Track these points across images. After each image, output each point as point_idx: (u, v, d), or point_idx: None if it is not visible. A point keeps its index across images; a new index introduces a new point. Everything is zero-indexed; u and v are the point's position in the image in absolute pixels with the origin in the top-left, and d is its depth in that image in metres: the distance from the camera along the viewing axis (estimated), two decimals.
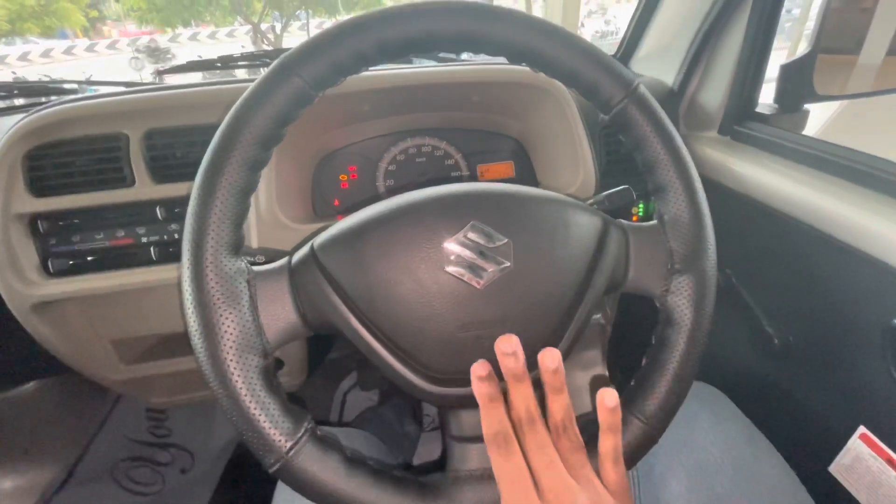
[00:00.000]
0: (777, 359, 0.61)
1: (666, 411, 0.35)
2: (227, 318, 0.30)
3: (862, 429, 0.51)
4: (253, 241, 0.54)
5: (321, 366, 1.12)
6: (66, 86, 0.80)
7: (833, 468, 0.53)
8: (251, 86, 0.32)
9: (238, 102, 0.32)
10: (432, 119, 0.67)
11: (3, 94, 0.78)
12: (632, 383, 0.37)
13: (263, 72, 0.32)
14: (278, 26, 8.51)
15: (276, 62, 0.32)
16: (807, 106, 0.70)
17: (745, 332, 0.65)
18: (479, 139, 0.70)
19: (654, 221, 0.37)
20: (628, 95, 0.35)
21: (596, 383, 0.99)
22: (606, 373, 1.08)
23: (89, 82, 0.85)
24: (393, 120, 0.66)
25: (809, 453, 0.52)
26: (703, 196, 0.37)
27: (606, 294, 0.36)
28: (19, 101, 0.77)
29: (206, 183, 0.31)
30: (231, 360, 0.30)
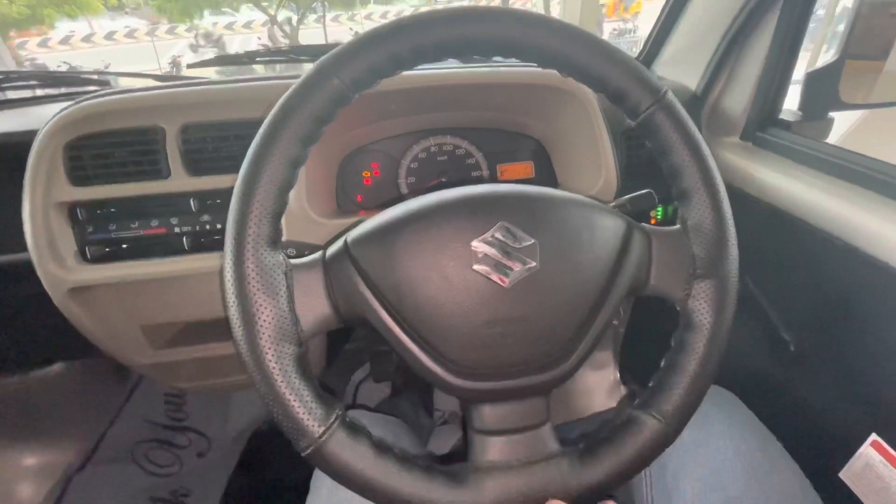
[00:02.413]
0: (792, 365, 0.61)
1: (683, 412, 0.36)
2: (265, 308, 0.31)
3: (874, 436, 0.51)
4: (283, 234, 0.55)
5: (336, 357, 1.14)
6: (96, 76, 0.82)
7: (843, 474, 0.54)
8: (293, 86, 0.33)
9: (280, 101, 0.33)
10: (454, 118, 0.68)
11: (34, 83, 0.80)
12: (650, 384, 0.38)
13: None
14: (294, 17, 8.55)
15: (316, 64, 0.33)
16: (831, 114, 0.70)
17: (761, 338, 0.66)
18: (500, 139, 0.71)
19: (678, 226, 0.38)
20: (656, 102, 0.36)
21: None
22: (618, 374, 1.09)
23: (120, 74, 0.87)
24: (416, 119, 0.67)
25: (821, 459, 0.52)
26: (727, 203, 0.37)
27: (628, 297, 0.37)
28: (49, 91, 0.79)
29: (248, 178, 0.32)
30: (268, 348, 0.31)
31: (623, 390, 1.06)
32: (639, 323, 0.98)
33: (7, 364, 0.88)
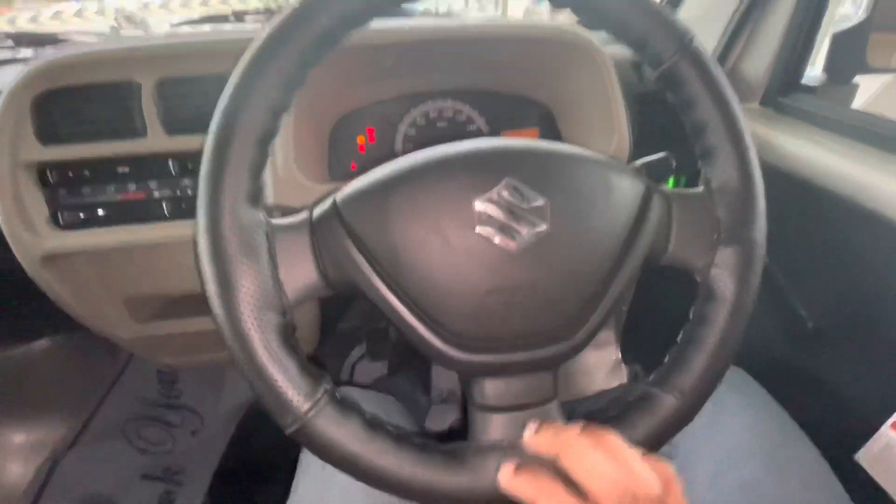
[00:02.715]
0: (810, 343, 0.59)
1: (702, 389, 0.34)
2: (244, 272, 0.28)
3: (895, 417, 0.49)
4: (270, 198, 0.52)
5: (331, 335, 1.12)
6: (76, 37, 0.77)
7: (861, 456, 0.52)
8: (272, 21, 0.29)
9: (258, 40, 0.29)
10: (455, 80, 0.64)
11: (10, 44, 0.75)
12: (666, 359, 0.35)
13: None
14: None
15: None
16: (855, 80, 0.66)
17: (777, 315, 0.63)
18: (504, 104, 0.67)
19: (701, 188, 0.35)
20: (681, 49, 0.32)
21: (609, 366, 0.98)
22: (619, 354, 1.07)
23: (99, 35, 0.82)
24: (414, 80, 0.63)
25: (840, 440, 0.50)
26: (757, 162, 0.34)
27: (644, 266, 0.34)
28: (27, 53, 0.74)
29: (223, 126, 0.29)
30: (248, 316, 0.28)
31: (624, 370, 1.04)
32: (641, 302, 0.96)
33: None
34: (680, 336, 0.35)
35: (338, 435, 0.29)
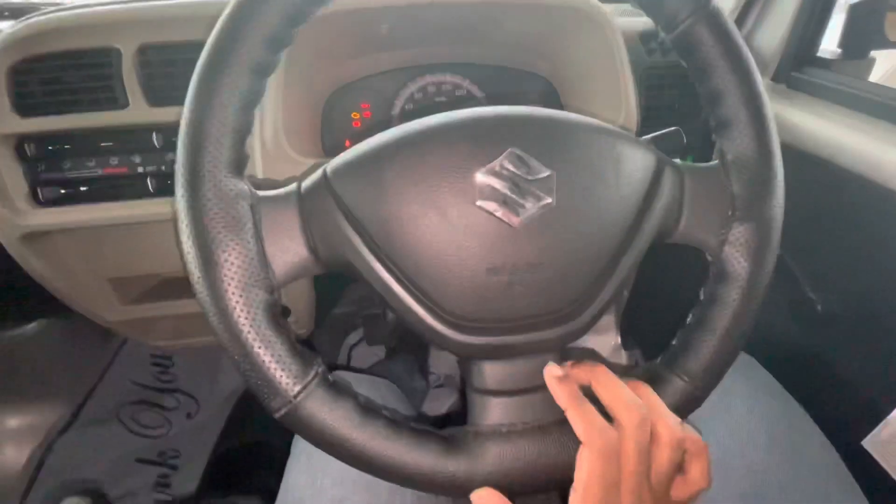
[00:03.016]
0: (819, 327, 0.57)
1: (712, 372, 0.32)
2: (227, 246, 0.26)
3: None
4: (257, 173, 0.50)
5: (327, 319, 1.10)
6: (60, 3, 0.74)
7: (868, 442, 0.51)
8: None
9: None
10: (455, 53, 0.61)
11: None
12: (674, 341, 0.34)
13: None
14: None
15: None
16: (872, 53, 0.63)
17: (785, 298, 0.62)
18: (505, 78, 0.64)
19: (715, 162, 0.33)
20: (697, 10, 0.30)
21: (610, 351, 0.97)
22: (619, 339, 1.06)
23: (83, 4, 0.78)
24: (411, 52, 0.60)
25: (848, 426, 0.49)
26: (776, 134, 0.32)
27: (654, 243, 0.32)
28: (6, 25, 0.71)
29: (202, 87, 0.27)
30: (233, 293, 0.26)
31: (624, 356, 1.03)
32: (641, 286, 0.94)
33: None
34: (689, 317, 0.34)
35: (329, 419, 0.27)
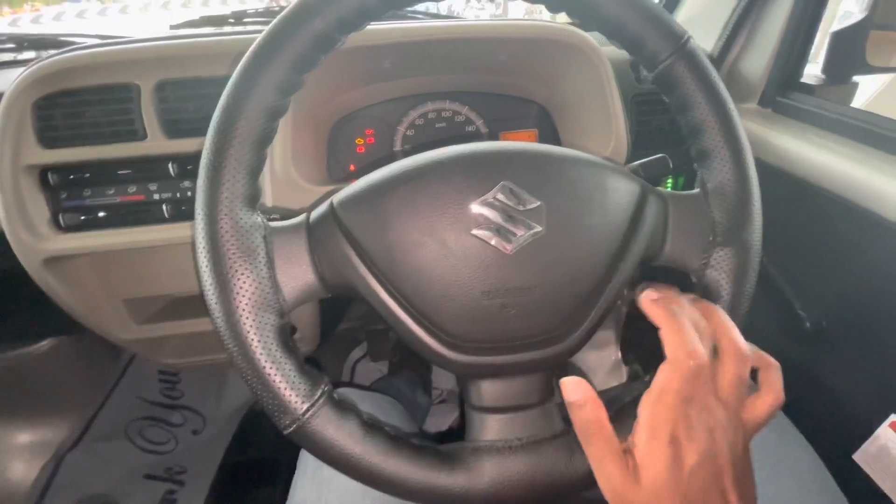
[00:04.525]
0: (808, 343, 0.59)
1: None
2: (242, 274, 0.28)
3: (893, 417, 0.49)
4: (268, 200, 0.52)
5: (332, 335, 1.12)
6: (78, 40, 0.77)
7: (858, 456, 0.52)
8: (269, 26, 0.30)
9: (255, 44, 0.30)
10: (454, 81, 0.64)
11: (12, 46, 0.76)
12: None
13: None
14: None
15: (296, 1, 0.30)
16: (855, 78, 0.66)
17: (775, 315, 0.63)
18: (502, 105, 0.67)
19: (697, 190, 0.35)
20: (677, 51, 0.32)
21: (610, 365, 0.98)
22: (619, 354, 1.06)
23: (101, 37, 0.82)
24: (413, 81, 0.63)
25: (836, 439, 0.50)
26: (752, 164, 0.34)
27: (640, 266, 0.34)
28: (29, 55, 0.75)
29: (221, 130, 0.29)
30: (246, 318, 0.28)
31: (625, 371, 1.04)
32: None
33: None
34: None
35: (335, 435, 0.29)
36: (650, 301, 0.29)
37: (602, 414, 0.28)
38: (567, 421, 0.33)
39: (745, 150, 0.34)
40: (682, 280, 0.35)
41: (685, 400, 0.26)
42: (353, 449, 0.29)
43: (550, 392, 0.33)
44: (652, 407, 0.27)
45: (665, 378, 0.27)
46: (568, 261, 0.31)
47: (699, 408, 0.26)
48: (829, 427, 0.53)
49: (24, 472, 0.94)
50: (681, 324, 0.27)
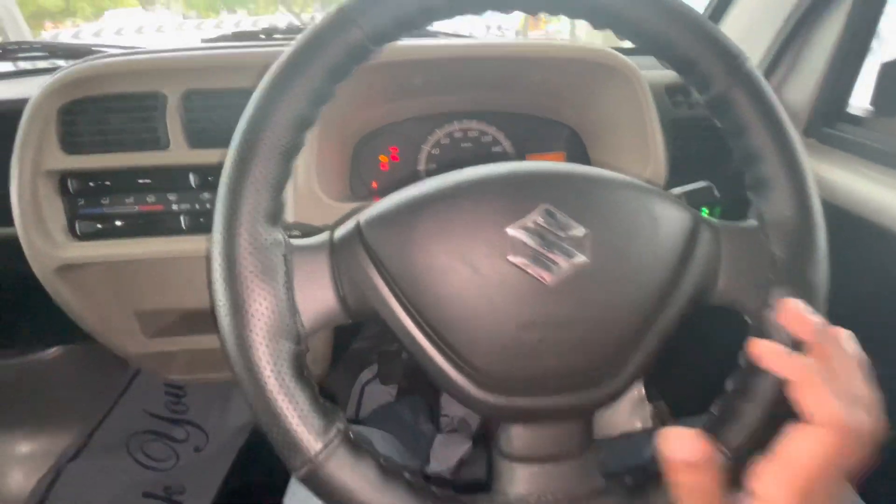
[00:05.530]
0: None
1: (755, 446, 0.30)
2: (259, 296, 0.26)
3: None
4: (289, 215, 0.50)
5: (343, 355, 1.09)
6: (109, 50, 0.79)
7: None
8: (303, 33, 0.28)
9: (288, 51, 0.28)
10: (482, 101, 0.63)
11: (45, 54, 0.77)
12: (713, 409, 0.32)
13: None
14: (319, 16, 8.58)
15: (333, 9, 0.28)
16: None
17: None
18: (531, 126, 0.65)
19: (752, 221, 0.32)
20: (732, 73, 0.30)
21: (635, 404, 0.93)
22: (643, 390, 1.01)
23: (131, 48, 0.83)
24: (440, 100, 0.62)
25: None
26: (817, 195, 0.31)
27: (691, 304, 0.31)
28: (59, 63, 0.76)
29: (246, 140, 0.27)
30: (260, 344, 0.26)
31: (648, 409, 0.99)
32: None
33: (1, 346, 0.85)
34: (729, 384, 0.32)
35: (351, 482, 0.26)
36: (776, 354, 0.27)
37: (716, 482, 0.24)
38: (608, 477, 0.30)
39: (809, 179, 0.31)
40: (723, 312, 0.32)
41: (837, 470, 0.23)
42: (370, 498, 0.26)
43: (587, 442, 0.30)
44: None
45: (818, 445, 0.23)
46: (613, 295, 0.29)
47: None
48: None
49: (22, 481, 0.92)
50: (818, 381, 0.24)
